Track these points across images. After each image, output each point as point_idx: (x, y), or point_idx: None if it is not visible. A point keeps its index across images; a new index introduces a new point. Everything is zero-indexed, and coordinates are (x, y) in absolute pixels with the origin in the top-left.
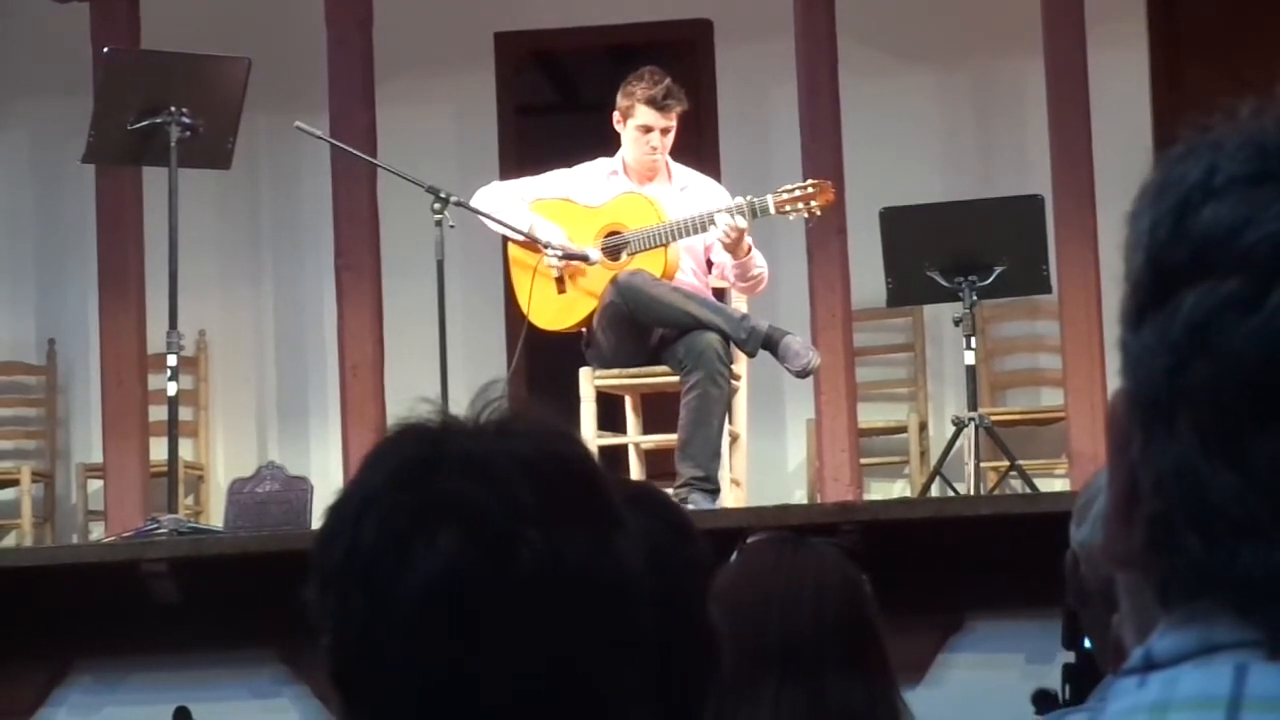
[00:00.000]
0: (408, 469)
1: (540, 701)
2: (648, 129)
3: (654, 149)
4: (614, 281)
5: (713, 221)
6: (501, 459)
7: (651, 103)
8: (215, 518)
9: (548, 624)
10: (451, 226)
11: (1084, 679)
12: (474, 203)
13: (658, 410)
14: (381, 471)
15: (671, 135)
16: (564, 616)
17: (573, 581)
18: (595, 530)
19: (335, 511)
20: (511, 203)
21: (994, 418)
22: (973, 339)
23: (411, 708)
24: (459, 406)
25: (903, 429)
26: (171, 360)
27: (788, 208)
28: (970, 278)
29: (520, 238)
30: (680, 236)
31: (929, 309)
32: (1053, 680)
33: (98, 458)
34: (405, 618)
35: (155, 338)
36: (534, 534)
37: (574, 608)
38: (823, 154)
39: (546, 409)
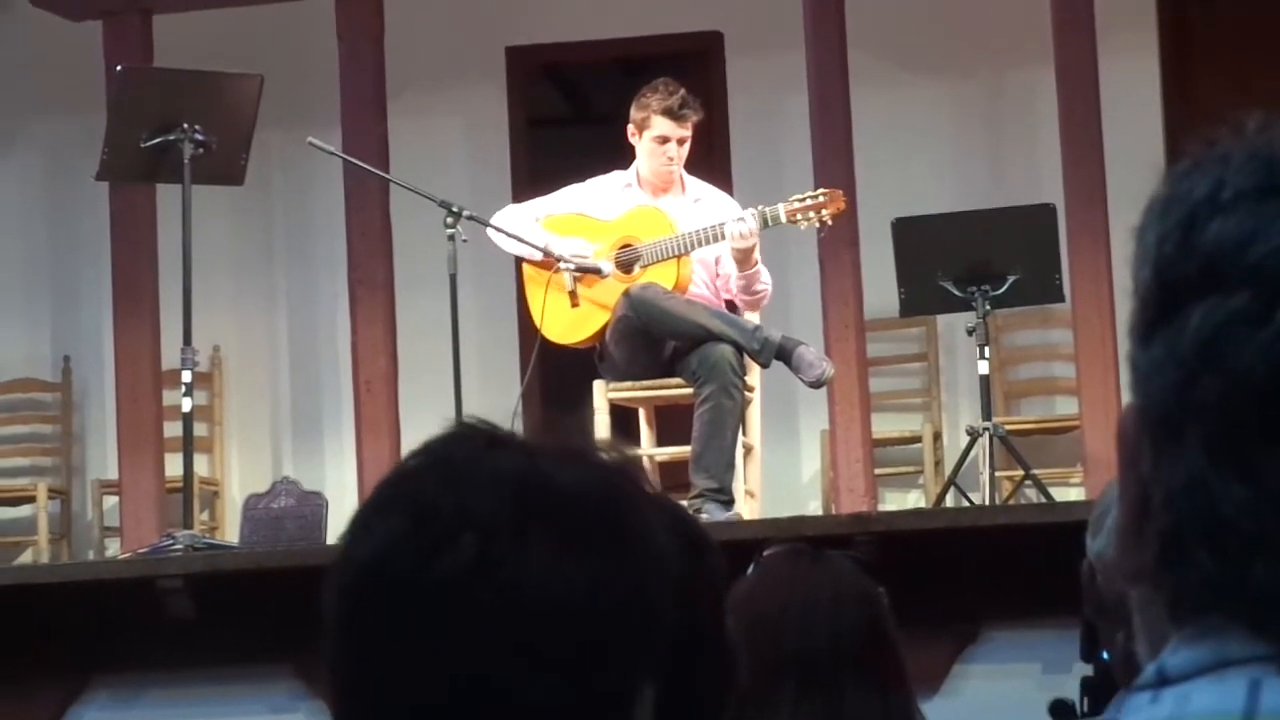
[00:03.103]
0: (398, 468)
1: (458, 705)
2: (664, 140)
3: (671, 160)
4: (627, 294)
5: (725, 233)
6: (476, 466)
7: (668, 113)
8: (230, 533)
9: (464, 632)
10: (464, 241)
11: (1102, 691)
12: (491, 231)
13: (672, 422)
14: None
15: (687, 145)
16: (487, 628)
17: (502, 596)
18: (558, 553)
19: None
20: (525, 225)
21: (1008, 427)
22: (986, 348)
23: (337, 689)
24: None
25: (917, 439)
26: (186, 376)
27: (799, 217)
28: (983, 287)
29: (538, 257)
30: (693, 248)
31: (942, 319)
32: (1069, 690)
33: (113, 474)
34: (337, 597)
35: (170, 354)
36: (470, 540)
37: (501, 622)
38: (834, 165)
39: (581, 432)
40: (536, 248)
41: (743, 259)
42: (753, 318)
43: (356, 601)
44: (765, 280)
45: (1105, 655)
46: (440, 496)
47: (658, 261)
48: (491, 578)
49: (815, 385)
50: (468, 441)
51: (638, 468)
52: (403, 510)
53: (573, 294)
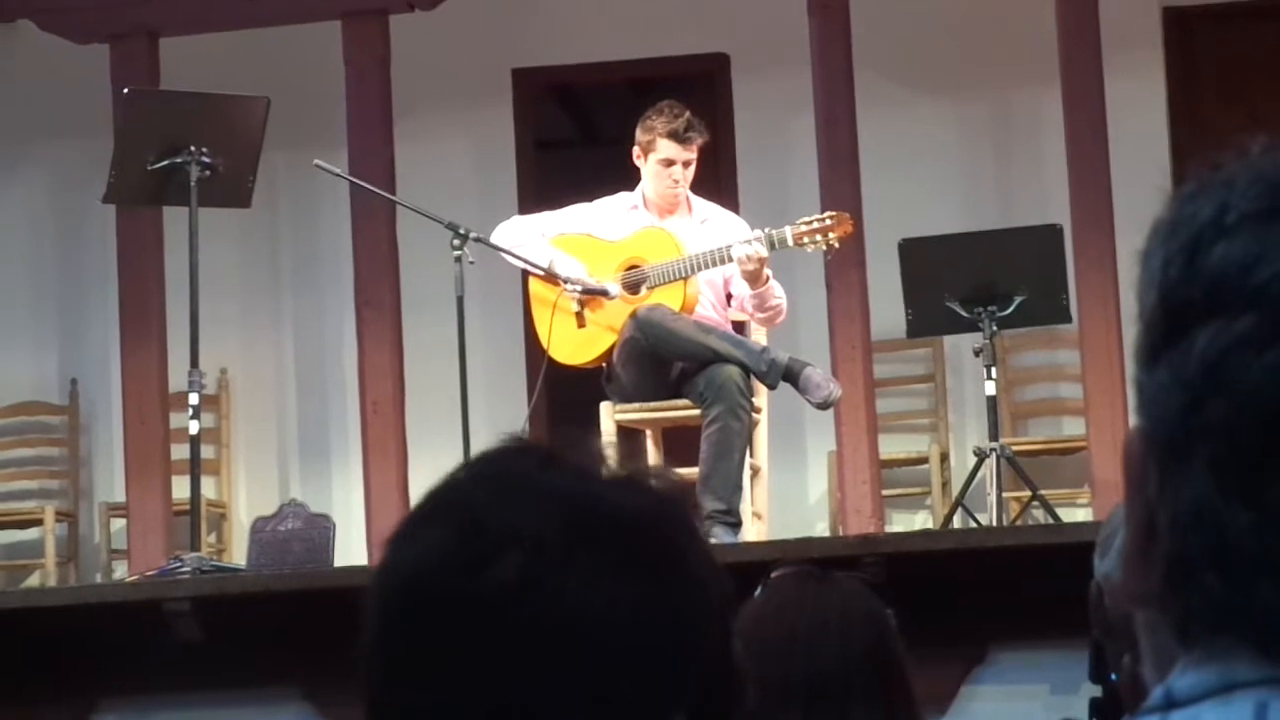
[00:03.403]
0: (451, 478)
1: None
2: (669, 162)
3: (676, 182)
4: (633, 316)
5: (732, 253)
6: (530, 484)
7: (673, 136)
8: (238, 556)
9: (503, 649)
10: (471, 263)
11: (1110, 712)
12: (494, 238)
13: (679, 444)
14: (441, 478)
15: (693, 168)
16: (527, 646)
17: (548, 617)
18: (604, 577)
19: None
20: (531, 238)
21: (1015, 448)
22: (993, 369)
23: (370, 696)
24: (480, 441)
25: (924, 460)
26: (193, 399)
27: (806, 240)
28: (990, 308)
29: (540, 273)
30: (699, 269)
31: (949, 339)
32: (1077, 712)
33: (120, 497)
34: (377, 604)
35: (177, 376)
36: (517, 557)
37: (541, 641)
38: (841, 186)
39: (640, 459)
40: (540, 267)
41: (753, 279)
42: (760, 339)
43: (396, 610)
44: (779, 295)
45: (1113, 676)
46: (489, 511)
47: (664, 283)
48: (532, 597)
49: (822, 406)
50: (522, 457)
51: (687, 496)
52: (450, 522)
53: (579, 315)
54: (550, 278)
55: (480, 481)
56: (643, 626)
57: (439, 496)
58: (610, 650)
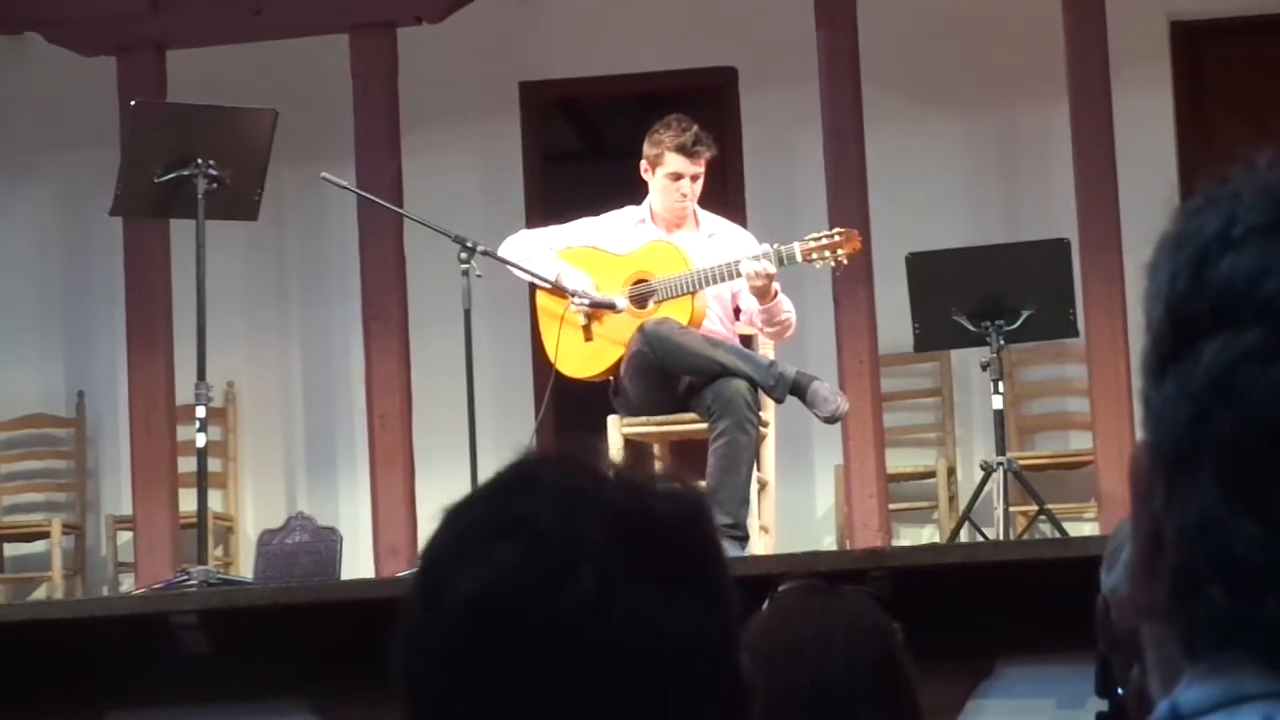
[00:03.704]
0: (501, 487)
1: None
2: (677, 176)
3: (684, 196)
4: (641, 330)
5: (740, 269)
6: (588, 498)
7: (681, 150)
8: (245, 569)
9: (579, 664)
10: (478, 276)
11: None
12: (501, 251)
13: (686, 457)
14: (483, 486)
15: (700, 182)
16: (600, 661)
17: (618, 629)
18: (663, 589)
19: (439, 520)
20: (538, 251)
21: (1022, 462)
22: (1000, 383)
23: (441, 715)
24: (487, 454)
25: (931, 474)
26: (200, 412)
27: (814, 256)
28: (997, 322)
29: (548, 286)
30: (707, 284)
31: (956, 354)
32: None
33: (127, 510)
34: (447, 621)
35: (183, 389)
36: (589, 573)
37: (611, 654)
38: (848, 200)
39: (671, 471)
40: (548, 280)
41: (761, 294)
42: (768, 353)
43: (467, 629)
44: (788, 308)
45: (1120, 690)
46: (553, 526)
47: (672, 297)
48: (610, 612)
49: (830, 421)
50: (570, 469)
51: (707, 501)
52: (515, 540)
53: (586, 329)
54: (558, 291)
55: (538, 494)
56: (701, 634)
57: (494, 511)
58: (676, 659)
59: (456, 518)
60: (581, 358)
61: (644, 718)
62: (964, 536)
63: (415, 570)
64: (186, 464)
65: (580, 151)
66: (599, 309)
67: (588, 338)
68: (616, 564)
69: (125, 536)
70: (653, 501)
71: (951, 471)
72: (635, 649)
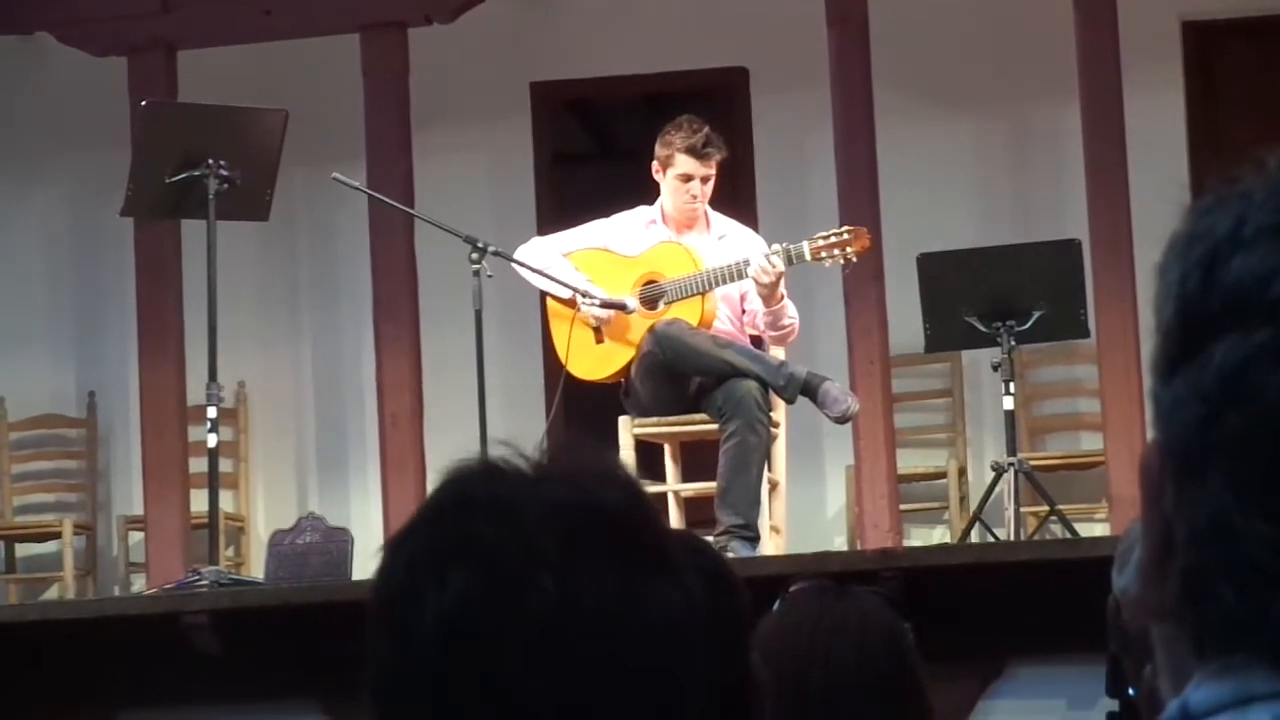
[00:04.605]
0: (439, 509)
1: None
2: (688, 178)
3: (694, 197)
4: (651, 331)
5: (749, 269)
6: (528, 503)
7: (691, 151)
8: (256, 569)
9: (563, 667)
10: (489, 276)
11: None
12: (518, 258)
13: (697, 458)
14: (421, 512)
15: (711, 183)
16: (581, 660)
17: (592, 626)
18: (625, 576)
19: (384, 551)
20: (554, 259)
21: (1033, 463)
22: (1011, 384)
23: None
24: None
25: (942, 475)
26: (211, 412)
27: (823, 254)
28: (1008, 323)
29: (566, 294)
30: (717, 284)
31: (967, 354)
32: None
33: (138, 510)
34: (424, 653)
35: (195, 390)
36: (548, 579)
37: (593, 652)
38: (859, 200)
39: (599, 453)
40: (563, 285)
41: (768, 295)
42: (778, 353)
43: (449, 651)
44: (792, 315)
45: (1131, 690)
46: (502, 540)
47: (682, 298)
48: (579, 609)
49: (840, 421)
50: (509, 476)
51: (635, 477)
52: (467, 559)
53: (597, 330)
54: (572, 300)
55: (477, 514)
56: (670, 609)
57: (439, 538)
58: (651, 643)
59: (401, 550)
60: (592, 359)
61: (642, 706)
62: (975, 537)
63: (371, 605)
64: (198, 464)
65: (591, 152)
66: (610, 310)
67: (598, 339)
68: (573, 562)
69: (136, 536)
70: (592, 492)
71: (962, 472)
72: (612, 639)
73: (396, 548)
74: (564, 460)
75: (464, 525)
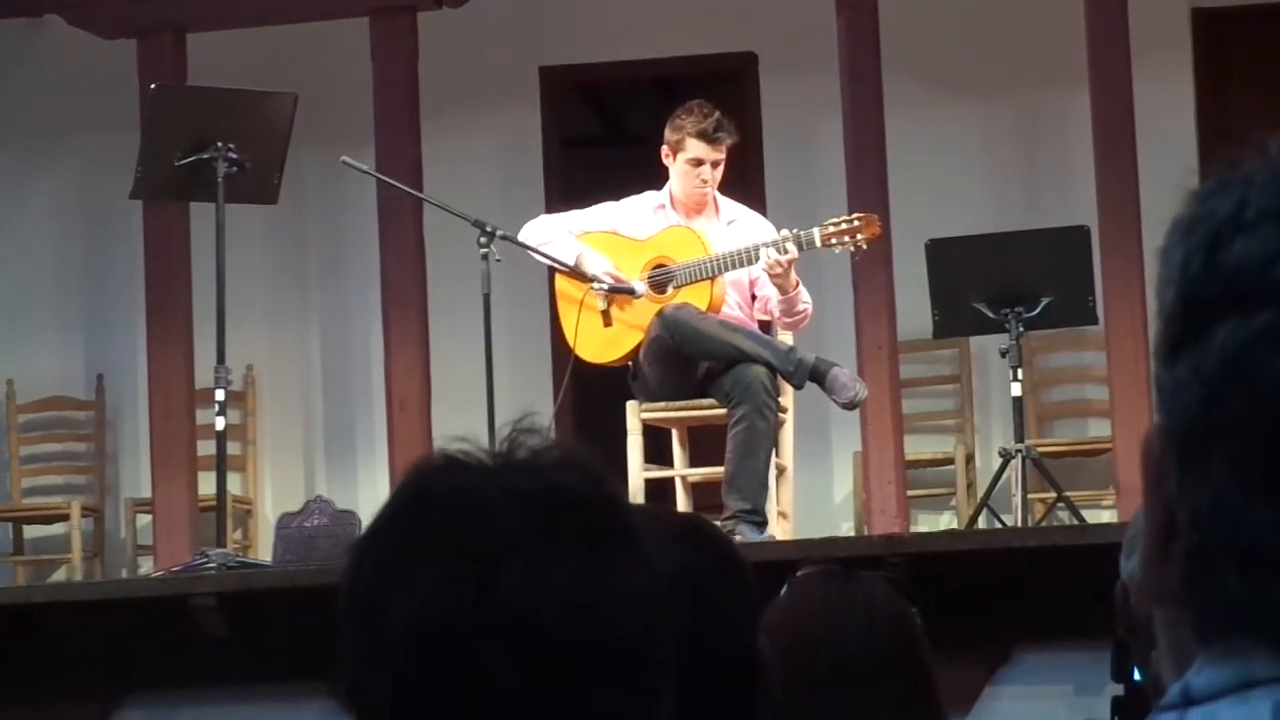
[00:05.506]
0: (401, 506)
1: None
2: (698, 162)
3: (704, 182)
4: (660, 315)
5: (759, 254)
6: (490, 491)
7: (702, 136)
8: (264, 552)
9: (536, 650)
10: (498, 260)
11: (1133, 711)
12: (521, 236)
13: (705, 443)
14: (383, 511)
15: (721, 168)
16: (554, 640)
17: (564, 602)
18: (592, 553)
19: (350, 550)
20: (559, 235)
21: (1041, 449)
22: (1019, 370)
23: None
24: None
25: (949, 461)
26: (219, 395)
27: (834, 241)
28: (1016, 309)
29: (566, 270)
30: (726, 269)
31: (975, 340)
32: (1100, 712)
33: (146, 492)
34: (392, 653)
35: (203, 373)
36: (517, 563)
37: (566, 634)
38: (868, 186)
39: (559, 442)
40: (567, 265)
41: (782, 283)
42: (786, 339)
43: (417, 651)
44: (806, 300)
45: (1139, 676)
46: (467, 531)
47: (691, 282)
48: (551, 592)
49: (848, 407)
50: (469, 469)
51: (592, 455)
52: (435, 552)
53: (606, 313)
54: (577, 275)
55: (440, 508)
56: (638, 591)
57: (407, 533)
58: (625, 619)
59: (366, 550)
60: (600, 343)
61: (625, 683)
62: (982, 523)
63: (340, 608)
64: (206, 447)
65: (600, 136)
66: (618, 294)
67: (607, 323)
68: (539, 547)
69: (144, 519)
70: (552, 476)
71: (970, 458)
72: (586, 613)
73: (362, 549)
74: (523, 450)
75: (428, 520)
